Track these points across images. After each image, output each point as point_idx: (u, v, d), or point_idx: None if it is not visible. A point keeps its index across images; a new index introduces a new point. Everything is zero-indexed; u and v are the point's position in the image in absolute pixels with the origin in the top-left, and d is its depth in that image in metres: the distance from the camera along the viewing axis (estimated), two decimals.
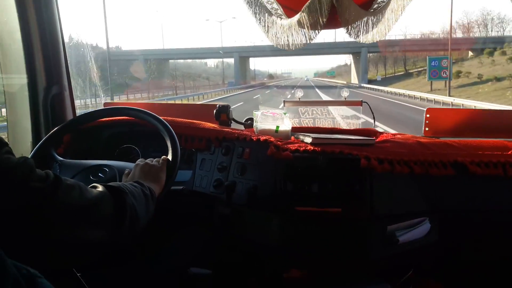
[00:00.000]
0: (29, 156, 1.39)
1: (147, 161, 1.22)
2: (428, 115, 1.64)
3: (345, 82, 61.08)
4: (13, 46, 1.64)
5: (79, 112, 1.88)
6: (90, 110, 1.59)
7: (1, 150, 0.69)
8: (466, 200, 1.42)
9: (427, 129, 1.65)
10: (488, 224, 1.49)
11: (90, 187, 0.87)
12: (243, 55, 59.49)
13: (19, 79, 1.67)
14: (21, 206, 0.69)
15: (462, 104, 18.07)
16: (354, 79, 58.61)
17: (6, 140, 0.73)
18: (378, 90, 36.68)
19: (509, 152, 1.42)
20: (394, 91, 31.96)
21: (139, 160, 1.25)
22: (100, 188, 0.87)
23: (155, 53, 55.77)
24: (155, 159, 1.26)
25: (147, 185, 1.07)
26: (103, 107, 1.77)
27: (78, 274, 1.10)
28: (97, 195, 0.83)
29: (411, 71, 52.35)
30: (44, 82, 1.70)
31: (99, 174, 1.34)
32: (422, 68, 43.94)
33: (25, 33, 1.61)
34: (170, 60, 62.89)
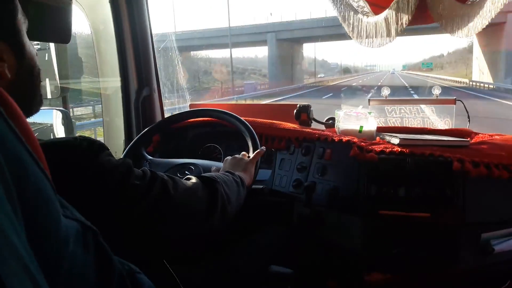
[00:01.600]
0: (122, 155, 1.52)
1: (235, 155, 1.28)
2: None
3: (464, 81, 34.04)
4: (109, 52, 1.79)
5: (166, 111, 2.00)
6: (178, 111, 1.69)
7: (103, 153, 0.75)
8: None
9: None
10: None
11: (185, 179, 0.93)
12: (283, 36, 36.59)
13: (114, 82, 1.84)
14: (122, 203, 0.75)
15: None
16: (483, 75, 31.77)
17: (102, 138, 0.80)
18: None
19: None
20: None
21: (229, 156, 1.30)
22: (193, 179, 0.93)
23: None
24: (242, 152, 1.31)
25: (238, 174, 1.13)
26: (189, 109, 1.86)
27: (169, 267, 1.17)
28: (191, 186, 0.89)
29: None
30: (135, 85, 1.84)
31: (186, 172, 1.41)
32: None
33: (119, 40, 1.76)
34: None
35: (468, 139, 1.44)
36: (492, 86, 25.54)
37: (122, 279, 0.57)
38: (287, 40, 37.93)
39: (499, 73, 27.55)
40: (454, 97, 1.65)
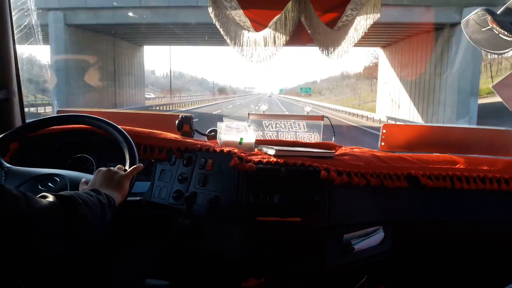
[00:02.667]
0: None
1: (110, 168, 1.18)
2: (384, 131, 1.73)
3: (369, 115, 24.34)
4: None
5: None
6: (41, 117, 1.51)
7: None
8: (417, 210, 1.51)
9: (383, 143, 1.74)
10: (437, 233, 1.58)
11: (39, 196, 0.82)
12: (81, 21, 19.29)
13: None
14: None
15: None
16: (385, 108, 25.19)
17: None
18: None
19: (457, 166, 1.54)
20: None
21: (102, 168, 1.20)
22: (50, 198, 0.82)
23: None
24: (118, 165, 1.22)
25: (108, 193, 1.04)
26: (55, 115, 1.68)
27: None
28: (46, 206, 0.79)
29: None
30: None
31: (49, 183, 1.27)
32: None
33: None
34: None
35: (333, 151, 1.61)
36: None
37: None
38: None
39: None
40: (322, 114, 1.84)
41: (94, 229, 0.89)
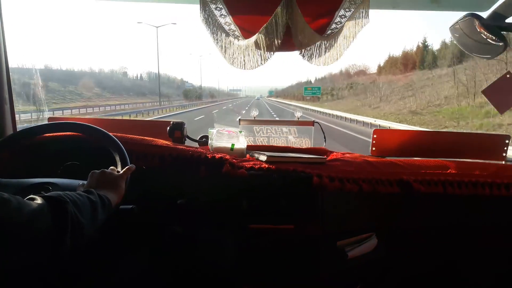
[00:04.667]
0: None
1: (104, 170, 1.17)
2: (375, 136, 1.73)
3: None
4: None
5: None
6: (31, 125, 1.50)
7: None
8: (409, 216, 1.51)
9: (374, 148, 1.74)
10: (430, 238, 1.58)
11: (27, 199, 0.81)
12: None
13: None
14: None
15: None
16: None
17: None
18: None
19: (448, 171, 1.54)
20: None
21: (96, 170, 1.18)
22: (38, 199, 0.81)
23: None
24: (111, 167, 1.21)
25: (104, 194, 1.03)
26: (47, 122, 1.67)
27: None
28: (36, 208, 0.78)
29: None
30: None
31: (42, 192, 1.25)
32: None
33: None
34: None
35: (325, 156, 1.61)
36: None
37: None
38: None
39: None
40: (313, 119, 1.84)
41: (85, 228, 0.87)
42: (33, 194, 1.22)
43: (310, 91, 42.43)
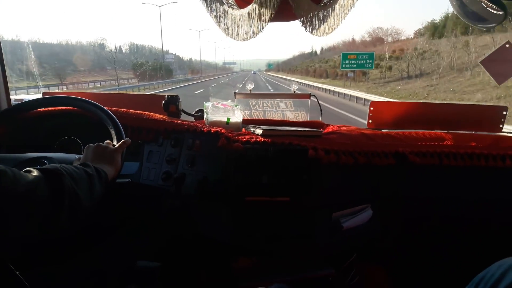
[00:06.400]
0: None
1: (99, 143, 1.16)
2: (371, 108, 1.72)
3: None
4: None
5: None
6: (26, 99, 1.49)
7: None
8: (405, 188, 1.52)
9: (370, 121, 1.73)
10: (425, 210, 1.60)
11: (24, 171, 0.80)
12: None
13: None
14: None
15: None
16: None
17: None
18: None
19: (444, 143, 1.54)
20: None
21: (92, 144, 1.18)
22: (35, 172, 0.81)
23: None
24: (106, 141, 1.20)
25: (101, 167, 1.03)
26: (41, 97, 1.65)
27: (17, 272, 1.03)
28: (32, 180, 0.77)
29: None
30: None
31: (39, 167, 1.26)
32: None
33: None
34: None
35: (321, 129, 1.61)
36: None
37: None
38: None
39: None
40: (309, 93, 1.82)
41: (82, 201, 0.87)
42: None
43: (352, 63, 23.60)
